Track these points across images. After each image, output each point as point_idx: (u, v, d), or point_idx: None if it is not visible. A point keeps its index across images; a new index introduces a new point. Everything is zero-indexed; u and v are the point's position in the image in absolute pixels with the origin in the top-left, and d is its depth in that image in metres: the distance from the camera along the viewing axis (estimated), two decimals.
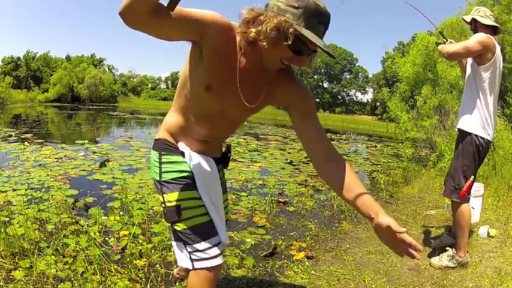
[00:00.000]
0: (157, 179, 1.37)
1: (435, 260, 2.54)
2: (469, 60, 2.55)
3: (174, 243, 1.35)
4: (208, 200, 1.34)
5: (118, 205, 3.45)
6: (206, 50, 1.14)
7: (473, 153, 2.44)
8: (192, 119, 1.33)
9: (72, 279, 2.09)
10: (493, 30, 2.51)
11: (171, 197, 1.32)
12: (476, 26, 2.52)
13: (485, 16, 2.50)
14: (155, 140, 1.44)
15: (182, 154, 1.37)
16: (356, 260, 2.59)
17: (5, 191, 3.79)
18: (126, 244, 2.58)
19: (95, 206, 3.44)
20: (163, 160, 1.37)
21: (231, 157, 1.62)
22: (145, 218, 3.13)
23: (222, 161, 1.55)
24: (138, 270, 2.24)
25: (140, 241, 2.65)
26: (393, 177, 5.88)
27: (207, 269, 1.27)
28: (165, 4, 0.98)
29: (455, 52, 2.41)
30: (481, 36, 2.39)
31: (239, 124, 1.46)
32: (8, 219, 2.88)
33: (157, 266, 2.33)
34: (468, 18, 2.58)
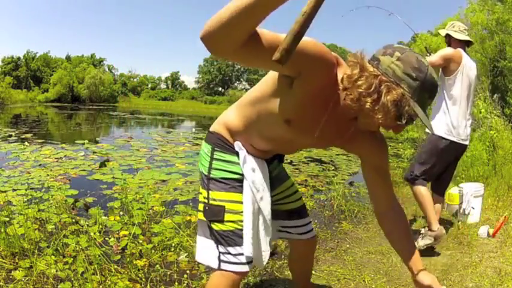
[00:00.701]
0: (206, 173, 1.33)
1: (419, 244, 2.67)
2: (439, 71, 2.81)
3: (201, 238, 1.33)
4: (249, 210, 1.28)
5: (118, 205, 3.45)
6: (301, 88, 1.02)
7: (431, 150, 2.77)
8: (257, 133, 1.28)
9: (72, 279, 2.09)
10: (466, 43, 2.80)
11: (217, 196, 1.29)
12: (450, 40, 2.80)
13: (459, 31, 2.76)
14: (209, 132, 1.38)
15: (236, 154, 1.31)
16: (356, 260, 2.59)
17: (5, 191, 3.79)
18: (126, 244, 2.58)
19: (95, 206, 3.44)
20: (215, 156, 1.33)
21: None
22: (145, 218, 3.13)
23: (277, 157, 1.49)
24: (138, 270, 2.24)
25: (140, 241, 2.65)
26: (393, 177, 5.87)
27: (234, 272, 1.26)
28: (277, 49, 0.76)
29: None
30: (444, 51, 2.71)
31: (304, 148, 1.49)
32: (8, 219, 2.87)
33: (157, 266, 2.33)
34: (443, 33, 2.86)
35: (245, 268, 1.27)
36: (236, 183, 1.30)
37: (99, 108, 31.06)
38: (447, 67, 2.70)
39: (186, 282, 2.16)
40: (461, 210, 3.43)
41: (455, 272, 2.43)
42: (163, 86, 63.63)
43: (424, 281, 1.23)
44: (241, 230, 1.27)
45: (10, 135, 8.67)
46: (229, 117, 1.33)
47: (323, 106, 1.08)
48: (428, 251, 2.79)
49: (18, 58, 47.62)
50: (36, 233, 2.66)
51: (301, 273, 1.80)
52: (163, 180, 4.71)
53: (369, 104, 0.97)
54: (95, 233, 2.73)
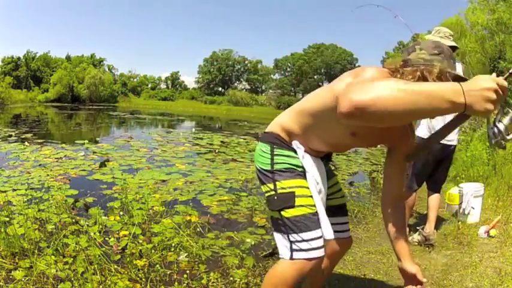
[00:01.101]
0: (269, 168, 1.41)
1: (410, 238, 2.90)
2: None
3: (275, 234, 1.38)
4: (316, 195, 1.38)
5: (118, 205, 3.45)
6: None
7: None
8: (317, 138, 1.40)
9: (72, 279, 2.09)
10: (452, 48, 2.89)
11: (285, 184, 1.36)
12: None
13: (444, 37, 2.84)
14: (265, 132, 1.49)
15: (294, 151, 1.41)
16: (356, 260, 2.59)
17: (5, 191, 3.79)
18: (126, 244, 2.58)
19: (95, 206, 3.44)
20: (276, 152, 1.42)
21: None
22: (146, 218, 3.13)
23: (325, 156, 1.59)
24: (138, 270, 2.24)
25: (140, 241, 2.65)
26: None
27: (306, 259, 1.30)
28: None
29: None
30: None
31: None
32: (8, 219, 2.88)
33: (157, 266, 2.33)
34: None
35: (318, 253, 1.32)
36: (299, 172, 1.40)
37: (99, 108, 31.06)
38: None
39: (186, 282, 2.16)
40: (461, 210, 3.42)
41: (455, 272, 2.43)
42: (163, 86, 63.59)
43: (410, 269, 1.35)
44: (314, 213, 1.35)
45: (10, 135, 8.67)
46: (286, 120, 1.45)
47: None
48: (428, 250, 2.79)
49: (18, 58, 47.58)
50: (36, 233, 2.67)
51: (325, 273, 1.77)
52: (163, 180, 4.71)
53: None
54: (95, 233, 2.73)
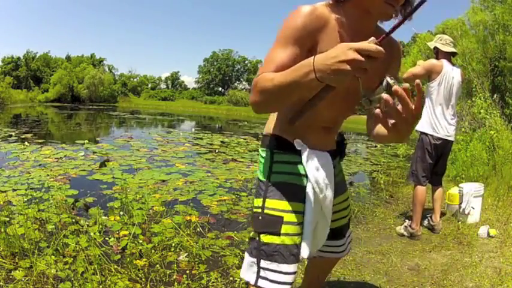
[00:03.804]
0: (264, 179, 1.22)
1: (397, 229, 3.22)
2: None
3: (246, 254, 1.21)
4: (310, 214, 1.18)
5: (118, 205, 3.45)
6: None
7: (423, 146, 3.16)
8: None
9: (72, 279, 2.09)
10: (451, 54, 3.18)
11: (276, 205, 1.17)
12: (437, 52, 3.17)
13: (445, 44, 3.12)
14: (264, 136, 1.29)
15: (298, 153, 1.20)
16: (356, 260, 2.59)
17: (5, 191, 3.79)
18: (126, 244, 2.58)
19: (95, 206, 3.44)
20: (275, 159, 1.22)
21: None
22: (145, 218, 3.13)
23: (338, 152, 1.38)
24: (138, 270, 2.24)
25: (140, 241, 2.65)
26: (393, 177, 5.88)
27: None
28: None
29: (406, 77, 3.18)
30: (426, 63, 3.16)
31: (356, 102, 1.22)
32: (8, 219, 2.88)
33: (157, 266, 2.33)
34: (432, 46, 3.23)
35: (284, 287, 1.15)
36: (298, 189, 1.19)
37: (99, 108, 31.05)
38: (429, 76, 3.10)
39: (186, 282, 2.16)
40: (461, 210, 3.43)
41: (455, 272, 2.43)
42: (163, 86, 63.63)
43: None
44: (296, 246, 1.17)
45: (10, 135, 8.67)
46: (278, 114, 1.25)
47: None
48: (428, 250, 2.79)
49: (18, 58, 47.64)
50: (36, 233, 2.67)
51: (320, 279, 1.71)
52: (163, 180, 4.71)
53: None
54: (95, 233, 2.73)
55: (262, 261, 1.16)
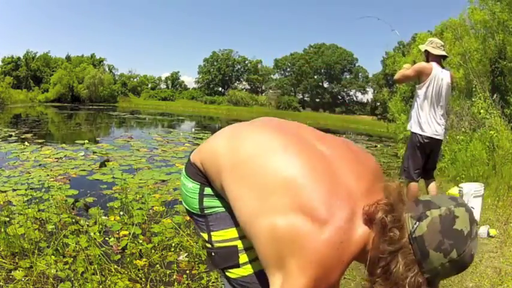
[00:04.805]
0: (197, 211, 1.06)
1: None
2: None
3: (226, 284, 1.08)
4: None
5: (118, 205, 3.45)
6: None
7: (413, 145, 3.28)
8: None
9: (72, 279, 2.09)
10: (442, 57, 3.26)
11: (222, 235, 1.02)
12: (428, 55, 3.25)
13: (436, 47, 3.20)
14: (189, 163, 1.10)
15: None
16: None
17: (5, 191, 3.79)
18: (126, 244, 2.58)
19: (95, 206, 3.44)
20: (206, 192, 1.04)
21: None
22: (145, 218, 3.13)
23: None
24: (138, 270, 2.24)
25: (140, 241, 2.65)
26: (393, 177, 5.88)
27: None
28: None
29: (396, 78, 3.37)
30: (417, 66, 3.23)
31: None
32: (8, 219, 2.88)
33: (157, 266, 2.33)
34: (422, 49, 3.32)
35: None
36: None
37: (99, 108, 31.04)
38: (419, 77, 3.20)
39: (186, 282, 2.16)
40: None
41: None
42: (163, 86, 63.55)
43: None
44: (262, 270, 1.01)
45: (10, 135, 8.67)
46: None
47: None
48: None
49: (18, 58, 47.54)
50: (36, 233, 2.67)
51: None
52: (163, 180, 4.71)
53: None
54: (95, 233, 2.73)
55: None
